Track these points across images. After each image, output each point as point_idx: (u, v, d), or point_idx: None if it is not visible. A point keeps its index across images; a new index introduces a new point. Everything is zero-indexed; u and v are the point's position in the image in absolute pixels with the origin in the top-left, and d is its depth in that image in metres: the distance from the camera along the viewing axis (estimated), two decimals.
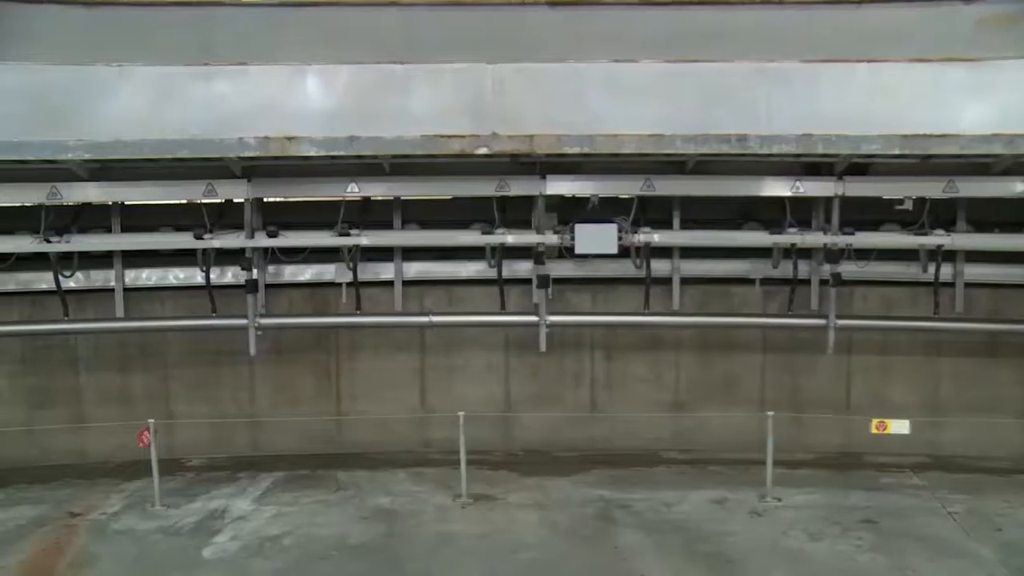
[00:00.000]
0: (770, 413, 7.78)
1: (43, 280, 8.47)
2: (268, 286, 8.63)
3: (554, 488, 8.09)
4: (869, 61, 7.33)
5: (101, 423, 8.63)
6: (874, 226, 8.33)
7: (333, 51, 7.27)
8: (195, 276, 8.52)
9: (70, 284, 8.43)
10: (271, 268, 8.59)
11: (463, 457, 7.80)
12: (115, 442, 8.53)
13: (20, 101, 7.09)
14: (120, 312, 8.60)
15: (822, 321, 8.47)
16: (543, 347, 8.47)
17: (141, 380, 8.90)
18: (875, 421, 8.26)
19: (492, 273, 8.53)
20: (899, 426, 8.23)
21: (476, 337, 8.96)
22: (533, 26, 7.37)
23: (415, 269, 8.76)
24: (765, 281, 8.73)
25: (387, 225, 8.44)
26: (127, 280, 8.62)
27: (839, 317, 8.43)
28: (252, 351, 8.39)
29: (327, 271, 8.60)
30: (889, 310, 8.81)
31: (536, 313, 8.46)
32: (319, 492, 8.05)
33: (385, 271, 8.72)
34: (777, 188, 8.14)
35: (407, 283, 8.78)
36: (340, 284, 8.56)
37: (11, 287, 8.50)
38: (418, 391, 9.06)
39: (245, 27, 7.37)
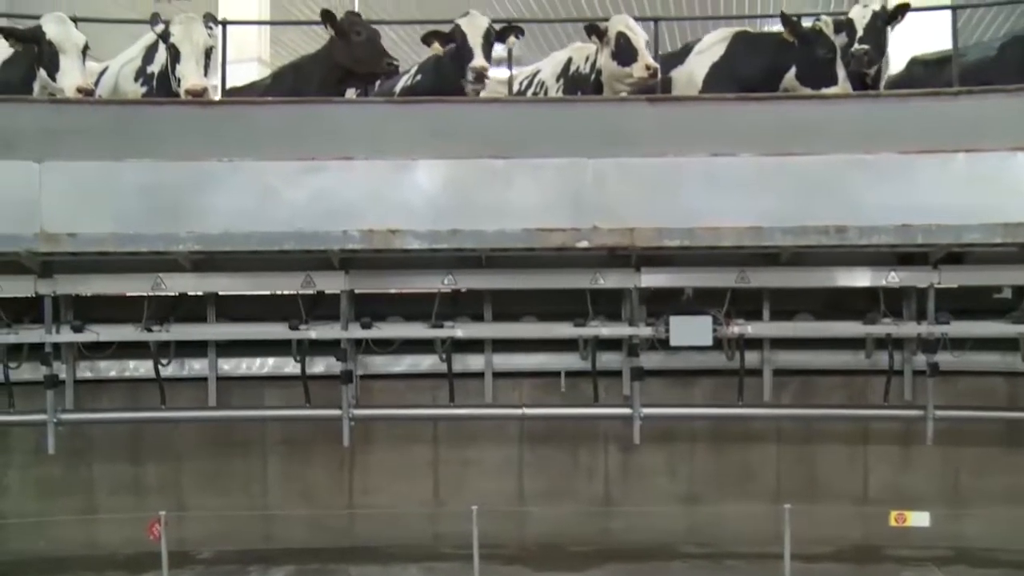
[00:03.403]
0: (787, 505, 7.66)
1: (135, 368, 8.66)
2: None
3: None
4: (967, 151, 7.36)
5: (112, 514, 8.63)
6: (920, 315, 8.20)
7: (436, 146, 7.43)
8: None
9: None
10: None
11: (476, 552, 7.71)
12: (125, 533, 8.51)
13: (138, 196, 7.32)
14: (212, 401, 8.71)
15: (919, 412, 8.35)
16: (637, 439, 8.41)
17: (153, 470, 8.94)
18: (894, 513, 8.05)
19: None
20: (919, 518, 8.00)
21: (490, 430, 8.96)
22: (632, 121, 7.50)
23: (428, 362, 8.78)
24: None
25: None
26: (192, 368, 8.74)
27: (914, 407, 8.38)
28: (346, 442, 8.41)
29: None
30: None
31: (630, 405, 8.43)
32: None
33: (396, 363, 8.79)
34: (871, 278, 8.11)
35: (420, 376, 8.81)
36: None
37: (112, 374, 8.72)
38: (431, 484, 9.04)
39: (352, 123, 7.60)
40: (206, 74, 8.00)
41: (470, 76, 8.06)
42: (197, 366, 8.74)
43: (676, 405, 8.73)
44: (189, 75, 7.81)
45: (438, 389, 8.86)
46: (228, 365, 8.84)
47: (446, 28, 8.23)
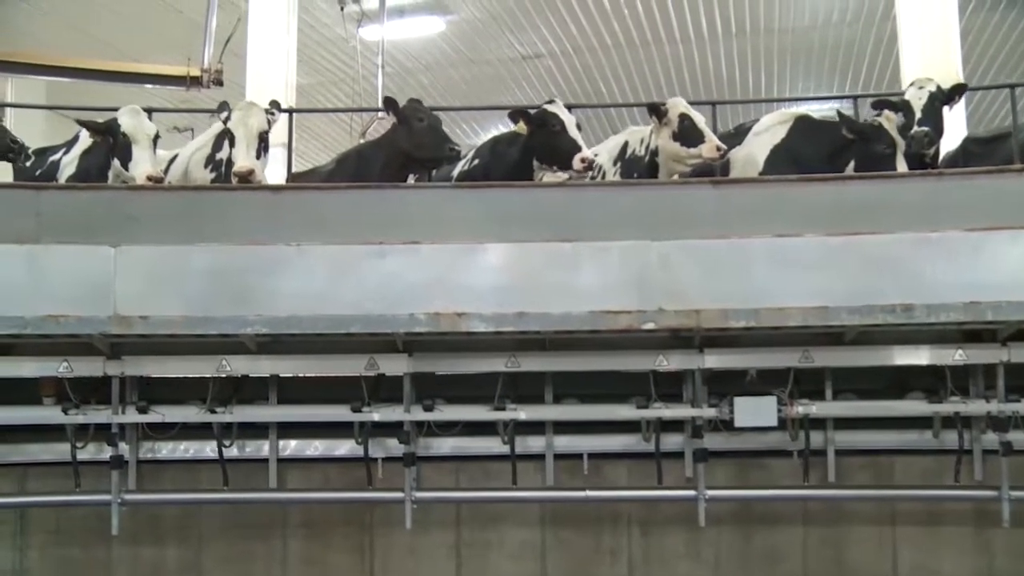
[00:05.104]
0: None
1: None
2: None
3: None
4: None
5: None
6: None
7: (502, 229, 7.52)
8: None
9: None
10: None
11: None
12: None
13: (207, 279, 7.44)
14: (273, 483, 8.69)
15: (993, 492, 8.16)
16: (702, 522, 8.27)
17: (174, 553, 8.82)
18: None
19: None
20: None
21: (512, 512, 8.82)
22: (696, 204, 7.58)
23: (450, 444, 8.69)
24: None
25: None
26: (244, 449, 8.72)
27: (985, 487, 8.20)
28: (408, 524, 8.32)
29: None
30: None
31: (695, 487, 8.29)
32: None
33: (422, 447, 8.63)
34: (937, 356, 8.04)
35: (443, 459, 8.72)
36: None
37: (176, 455, 8.73)
38: (453, 567, 8.87)
39: (417, 207, 7.74)
40: (259, 157, 8.24)
41: (580, 166, 8.29)
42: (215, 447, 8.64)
43: (743, 487, 8.63)
44: (238, 158, 8.14)
45: (461, 472, 8.83)
46: (251, 448, 8.79)
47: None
